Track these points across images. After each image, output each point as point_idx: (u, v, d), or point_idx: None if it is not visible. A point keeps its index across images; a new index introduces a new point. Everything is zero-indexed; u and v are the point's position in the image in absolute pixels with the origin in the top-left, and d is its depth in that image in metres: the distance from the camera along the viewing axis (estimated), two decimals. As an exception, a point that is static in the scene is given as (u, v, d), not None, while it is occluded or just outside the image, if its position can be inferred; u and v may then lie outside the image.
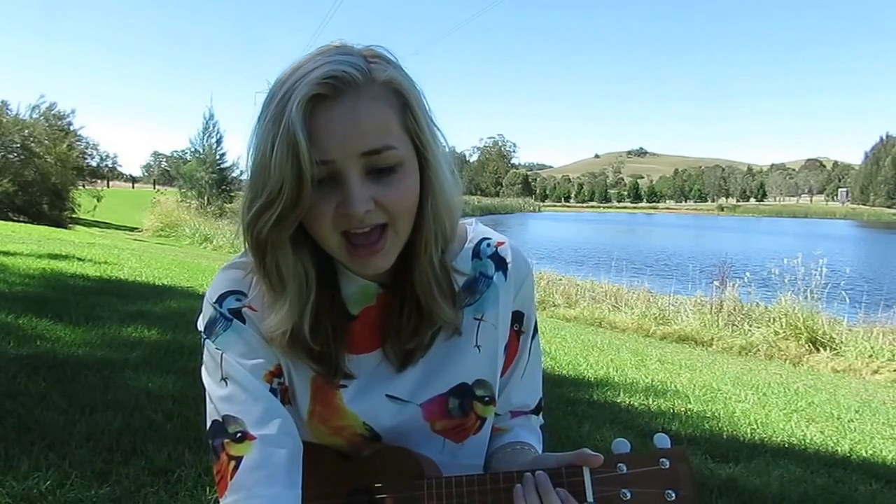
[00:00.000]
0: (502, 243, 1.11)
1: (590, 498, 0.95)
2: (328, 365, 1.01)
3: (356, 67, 0.88)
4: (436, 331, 1.03)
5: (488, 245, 1.10)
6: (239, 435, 0.97)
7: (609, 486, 0.94)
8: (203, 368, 1.03)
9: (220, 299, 1.02)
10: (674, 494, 0.94)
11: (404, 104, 0.92)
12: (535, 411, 1.19)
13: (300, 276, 0.96)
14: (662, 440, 0.97)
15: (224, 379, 1.00)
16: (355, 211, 0.88)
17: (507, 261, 1.09)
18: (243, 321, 1.00)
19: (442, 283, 1.01)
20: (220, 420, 0.99)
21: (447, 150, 1.00)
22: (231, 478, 0.96)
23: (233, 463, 0.96)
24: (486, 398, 1.08)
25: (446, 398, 1.05)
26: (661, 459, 0.95)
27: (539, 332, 1.17)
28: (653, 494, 0.94)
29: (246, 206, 0.92)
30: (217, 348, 1.01)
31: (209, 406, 1.01)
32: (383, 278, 1.02)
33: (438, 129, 0.98)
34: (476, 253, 1.09)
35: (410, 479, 0.99)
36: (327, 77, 0.87)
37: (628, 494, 0.94)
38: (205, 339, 1.03)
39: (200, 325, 1.04)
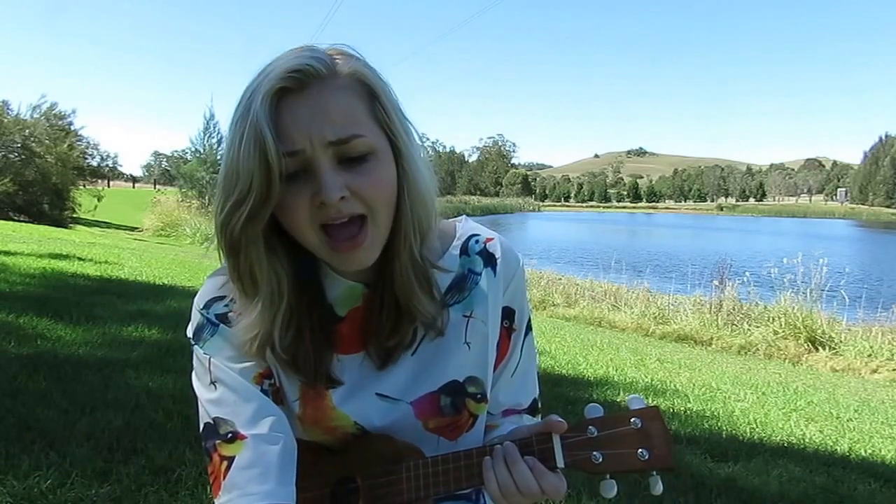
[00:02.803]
0: (491, 239, 1.10)
1: (560, 464, 0.95)
2: (307, 372, 1.01)
3: (320, 61, 0.89)
4: (417, 328, 1.02)
5: (477, 241, 1.09)
6: (230, 435, 0.97)
7: (580, 450, 0.95)
8: (193, 374, 1.04)
9: (208, 305, 1.02)
10: (647, 454, 0.93)
11: (371, 95, 0.92)
12: (530, 411, 1.18)
13: (272, 282, 0.95)
14: (636, 401, 0.97)
15: (213, 382, 1.00)
16: (329, 199, 0.88)
17: (497, 256, 1.08)
18: (230, 325, 1.01)
19: (420, 276, 1.00)
20: (212, 422, 1.00)
21: (420, 143, 0.99)
22: (224, 478, 0.96)
23: (225, 463, 0.97)
24: (479, 395, 1.07)
25: (438, 396, 1.05)
26: (633, 419, 0.95)
27: (533, 331, 1.16)
28: (625, 455, 0.94)
29: (219, 208, 0.92)
30: (205, 353, 1.01)
31: (200, 410, 1.02)
32: (368, 278, 1.02)
33: (410, 122, 0.98)
34: (464, 250, 1.08)
35: (390, 464, 1.00)
36: (291, 71, 0.87)
37: (600, 457, 0.94)
38: (193, 345, 1.03)
39: (189, 332, 1.04)
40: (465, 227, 1.12)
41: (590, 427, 0.95)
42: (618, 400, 4.73)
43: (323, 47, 0.93)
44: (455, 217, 1.15)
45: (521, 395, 1.16)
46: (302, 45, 0.93)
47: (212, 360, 1.01)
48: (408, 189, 0.95)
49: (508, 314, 1.11)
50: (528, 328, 1.15)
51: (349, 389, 1.04)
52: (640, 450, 0.93)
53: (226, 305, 1.01)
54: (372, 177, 0.91)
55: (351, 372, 1.04)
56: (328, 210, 0.89)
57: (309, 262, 0.99)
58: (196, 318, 1.03)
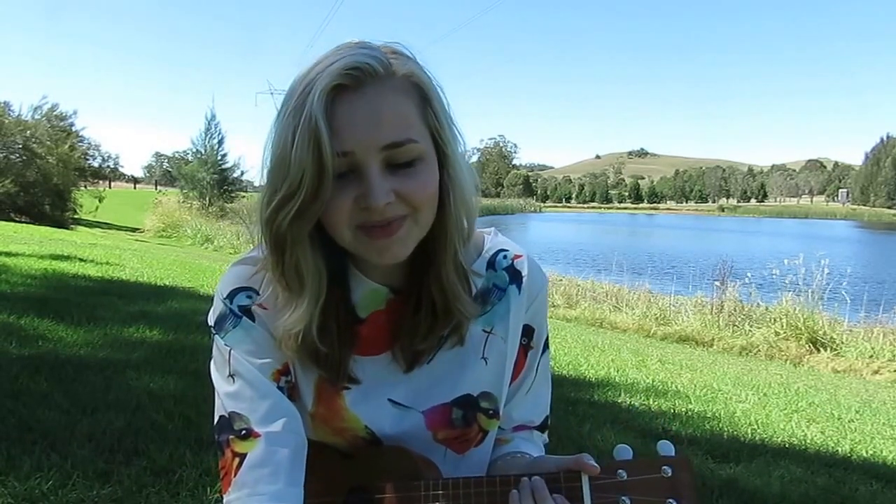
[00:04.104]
0: (520, 256, 1.09)
1: None
2: (333, 369, 1.01)
3: (377, 60, 0.88)
4: (443, 335, 1.02)
5: (505, 257, 1.08)
6: (244, 432, 0.97)
7: (608, 493, 0.93)
8: (212, 363, 1.03)
9: (231, 295, 1.01)
10: (675, 503, 0.92)
11: (424, 99, 0.91)
12: (540, 428, 1.17)
13: (317, 275, 0.94)
14: (666, 448, 0.95)
15: (231, 375, 1.00)
16: (376, 204, 0.87)
17: (523, 274, 1.07)
18: (253, 319, 1.00)
19: (462, 278, 1.00)
20: (227, 416, 0.99)
21: (465, 149, 0.99)
22: (235, 475, 0.96)
23: (237, 460, 0.96)
24: (491, 411, 1.06)
25: (450, 408, 1.04)
26: (664, 467, 0.93)
27: (550, 349, 1.15)
28: (653, 503, 0.92)
29: (265, 202, 0.91)
30: (226, 345, 1.00)
31: (217, 401, 1.02)
32: (395, 282, 1.02)
33: (457, 126, 0.97)
34: (491, 264, 1.07)
35: (409, 480, 0.99)
36: (349, 68, 0.86)
37: (627, 501, 0.92)
38: (214, 335, 1.02)
39: (211, 320, 1.03)
40: (495, 241, 1.11)
41: (619, 470, 0.94)
42: (619, 401, 4.73)
43: (377, 44, 0.92)
44: None
45: (533, 413, 1.15)
46: (355, 40, 0.92)
47: (232, 352, 1.00)
48: (452, 193, 0.94)
49: (528, 332, 1.10)
50: (546, 347, 1.14)
51: (363, 392, 1.03)
52: (668, 499, 0.92)
53: (249, 297, 1.00)
54: (419, 181, 0.90)
55: (367, 374, 1.04)
56: (371, 213, 0.88)
57: (338, 260, 0.99)
58: (219, 306, 1.02)
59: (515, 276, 1.07)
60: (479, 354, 1.05)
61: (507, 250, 1.09)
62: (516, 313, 1.07)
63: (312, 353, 0.99)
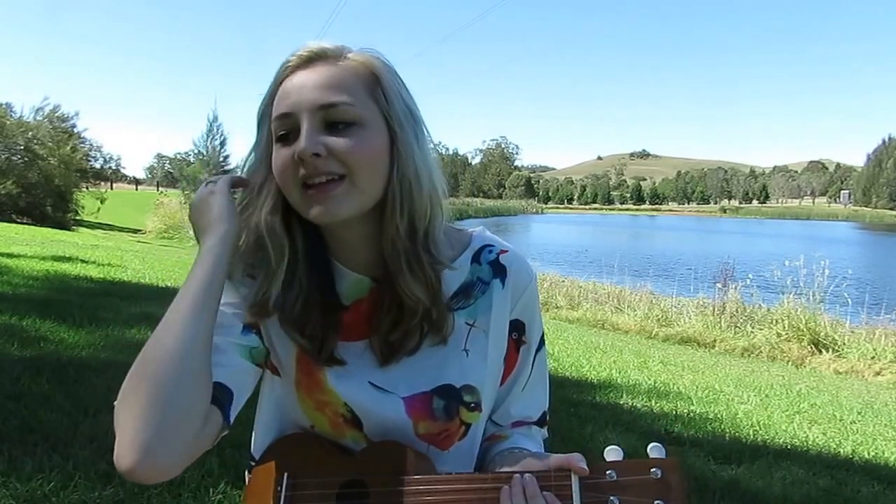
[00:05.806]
0: (505, 252, 1.10)
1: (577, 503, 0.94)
2: (316, 346, 1.03)
3: (334, 47, 0.98)
4: (422, 330, 1.03)
5: (490, 252, 1.09)
6: None
7: (597, 493, 0.94)
8: None
9: None
10: None
11: (375, 81, 0.97)
12: (539, 423, 1.17)
13: (281, 248, 1.00)
14: (657, 450, 0.96)
15: None
16: (302, 151, 0.92)
17: (507, 269, 1.08)
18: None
19: (413, 261, 1.00)
20: None
21: (430, 141, 1.04)
22: None
23: None
24: (473, 404, 1.06)
25: (431, 397, 1.04)
26: (653, 469, 0.94)
27: (546, 346, 1.16)
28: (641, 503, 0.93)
29: None
30: None
31: None
32: (376, 273, 1.04)
33: (421, 120, 1.02)
34: (476, 258, 1.09)
35: (402, 475, 0.99)
36: (305, 50, 0.98)
37: (616, 502, 0.93)
38: None
39: None
40: (482, 237, 1.12)
41: (609, 471, 0.95)
42: (621, 403, 4.73)
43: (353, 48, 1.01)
44: (459, 219, 1.16)
45: (530, 409, 1.16)
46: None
47: None
48: (399, 168, 0.97)
49: (518, 327, 1.10)
50: (542, 343, 1.14)
51: (344, 372, 1.05)
52: (656, 501, 0.93)
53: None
54: (352, 141, 0.94)
55: (349, 359, 1.05)
56: (306, 167, 0.93)
57: (322, 256, 1.04)
58: None
59: (500, 270, 1.08)
60: (460, 346, 1.06)
61: (492, 246, 1.10)
62: (500, 307, 1.07)
63: (296, 325, 1.03)
